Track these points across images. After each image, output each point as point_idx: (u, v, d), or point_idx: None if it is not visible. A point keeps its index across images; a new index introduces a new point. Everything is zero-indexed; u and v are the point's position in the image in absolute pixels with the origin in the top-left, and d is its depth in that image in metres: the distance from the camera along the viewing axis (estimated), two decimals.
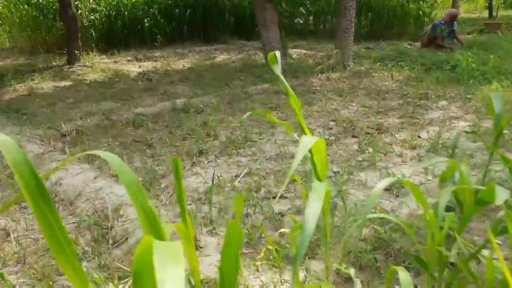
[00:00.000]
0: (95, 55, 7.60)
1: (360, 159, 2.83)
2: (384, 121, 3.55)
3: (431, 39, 6.64)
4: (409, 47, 7.25)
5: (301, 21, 8.60)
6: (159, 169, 2.85)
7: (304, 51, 7.40)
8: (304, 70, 5.72)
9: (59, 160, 2.82)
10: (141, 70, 6.48)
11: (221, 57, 7.33)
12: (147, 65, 6.82)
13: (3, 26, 8.86)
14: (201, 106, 4.31)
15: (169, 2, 8.42)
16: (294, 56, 6.68)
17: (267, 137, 3.36)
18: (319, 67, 5.83)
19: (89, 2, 8.10)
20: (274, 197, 2.35)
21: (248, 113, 1.49)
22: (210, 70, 6.20)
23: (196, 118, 3.94)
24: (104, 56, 7.61)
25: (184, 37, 8.84)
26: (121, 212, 2.14)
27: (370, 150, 2.94)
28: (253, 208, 2.23)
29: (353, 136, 3.27)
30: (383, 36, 8.36)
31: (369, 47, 7.48)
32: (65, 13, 6.57)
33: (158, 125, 3.83)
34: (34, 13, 7.89)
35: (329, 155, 2.93)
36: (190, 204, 2.36)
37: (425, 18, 8.08)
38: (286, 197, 2.36)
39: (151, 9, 8.24)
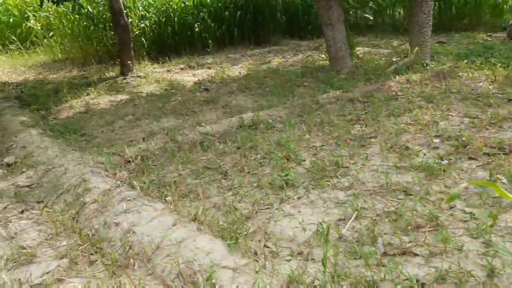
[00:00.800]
0: (147, 64, 7.36)
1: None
2: (504, 137, 2.92)
3: None
4: (489, 39, 6.42)
5: (371, 17, 7.93)
6: (241, 207, 2.42)
7: (367, 49, 6.76)
8: (376, 72, 5.12)
9: (129, 199, 2.45)
10: (196, 79, 6.13)
11: (276, 60, 6.85)
12: (202, 73, 6.47)
13: (55, 37, 8.87)
14: (270, 121, 3.85)
15: (219, 4, 8.04)
16: (359, 55, 6.07)
17: (361, 161, 2.84)
18: (393, 67, 5.20)
19: (139, 9, 7.88)
20: (400, 253, 1.84)
21: (463, 185, 0.99)
22: (269, 76, 5.73)
23: (269, 136, 3.49)
24: (156, 65, 7.36)
25: (234, 40, 8.45)
26: (213, 280, 1.71)
27: (503, 179, 2.35)
28: (377, 270, 1.74)
29: (471, 158, 2.68)
30: (454, 27, 7.54)
31: (442, 41, 6.72)
32: (117, 22, 6.34)
33: (228, 146, 3.41)
34: (85, 23, 7.76)
35: (449, 187, 2.37)
36: (289, 260, 1.90)
37: (505, 6, 7.18)
38: (416, 254, 1.84)
39: (201, 13, 7.90)
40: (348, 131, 3.41)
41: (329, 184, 2.55)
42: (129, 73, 6.65)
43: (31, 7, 9.63)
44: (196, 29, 7.83)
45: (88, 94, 5.63)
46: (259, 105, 4.48)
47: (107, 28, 7.92)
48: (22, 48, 9.51)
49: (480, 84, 4.26)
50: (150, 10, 7.90)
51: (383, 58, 5.97)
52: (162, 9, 7.89)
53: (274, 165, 2.90)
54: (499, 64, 4.68)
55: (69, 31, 8.05)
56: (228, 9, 8.10)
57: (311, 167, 2.78)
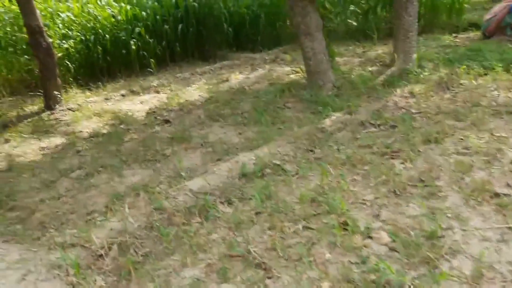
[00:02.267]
0: (76, 93, 6.01)
1: None
2: None
3: (501, 27, 5.54)
4: (458, 40, 6.15)
5: (354, 23, 7.24)
6: None
7: (345, 58, 6.08)
8: (364, 85, 4.45)
9: None
10: (146, 107, 5.00)
11: (235, 78, 5.94)
12: (151, 100, 5.33)
13: None
14: (278, 163, 2.95)
15: (156, 17, 6.91)
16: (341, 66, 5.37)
17: (455, 224, 2.05)
18: (381, 78, 4.59)
19: (59, 27, 6.48)
20: None
21: None
22: (237, 98, 4.81)
23: (290, 189, 2.59)
24: (88, 93, 6.03)
25: (176, 57, 7.39)
26: None
27: None
28: None
29: None
30: None
31: None
32: (37, 44, 4.98)
33: (239, 210, 2.44)
34: None
35: None
36: None
37: (465, 6, 7.01)
38: None
39: (136, 28, 6.72)
40: (391, 170, 2.63)
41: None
42: (57, 105, 5.29)
43: None
44: (133, 47, 6.63)
45: (7, 141, 4.23)
46: (247, 139, 3.54)
47: (18, 51, 6.40)
48: None
49: (496, 93, 3.77)
50: (73, 27, 6.54)
51: (369, 69, 5.34)
52: (88, 25, 6.56)
53: (332, 244, 2.00)
54: (499, 69, 4.27)
55: None
56: (167, 22, 7.01)
57: (393, 242, 1.93)
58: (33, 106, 5.70)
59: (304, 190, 2.55)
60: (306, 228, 2.17)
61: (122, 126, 4.36)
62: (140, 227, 2.32)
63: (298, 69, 5.35)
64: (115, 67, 6.83)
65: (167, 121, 4.35)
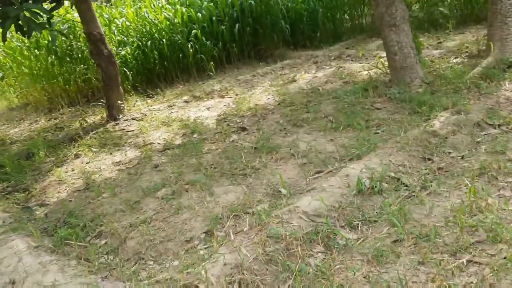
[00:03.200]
0: (136, 101, 5.81)
1: None
2: None
3: None
4: None
5: (446, 11, 6.64)
6: None
7: (428, 51, 5.51)
8: (459, 80, 3.92)
9: None
10: (215, 114, 4.69)
11: (302, 77, 5.53)
12: (217, 105, 5.03)
13: (6, 79, 7.10)
14: (394, 175, 2.52)
15: (212, 18, 6.62)
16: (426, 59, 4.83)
17: None
18: (476, 70, 4.05)
19: (114, 34, 6.33)
20: None
21: None
22: (314, 99, 4.40)
23: (424, 209, 2.16)
24: (149, 100, 5.83)
25: (232, 58, 7.07)
26: None
27: None
28: None
29: None
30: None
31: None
32: (99, 52, 4.79)
33: (369, 237, 2.04)
34: (48, 58, 6.10)
35: None
36: None
37: None
38: None
39: (193, 30, 6.45)
40: None
41: None
42: (120, 115, 5.10)
43: None
44: (190, 50, 6.37)
45: (77, 156, 4.03)
46: (342, 147, 3.14)
47: (75, 60, 6.30)
48: None
49: None
50: (129, 33, 6.36)
51: (456, 60, 4.80)
52: (144, 30, 6.36)
53: None
54: None
55: (27, 70, 6.33)
56: (222, 23, 6.70)
57: None
58: (95, 116, 5.56)
59: (443, 210, 2.11)
60: (471, 262, 1.73)
61: (195, 135, 4.06)
62: (257, 260, 1.97)
63: (375, 65, 4.87)
64: (172, 72, 6.61)
65: (243, 129, 4.01)
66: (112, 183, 3.27)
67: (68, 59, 6.29)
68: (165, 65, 6.47)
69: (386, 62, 4.43)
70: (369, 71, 4.92)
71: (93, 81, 6.45)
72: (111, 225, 2.58)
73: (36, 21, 3.23)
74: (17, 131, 5.55)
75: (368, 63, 5.46)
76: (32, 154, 4.25)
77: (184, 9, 6.47)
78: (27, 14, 3.09)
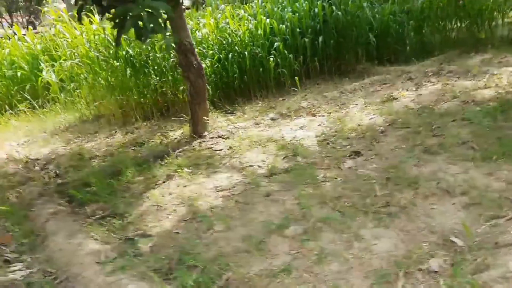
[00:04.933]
0: (217, 117, 5.42)
1: None
2: None
3: None
4: None
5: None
6: None
7: None
8: None
9: None
10: (312, 134, 4.18)
11: (403, 96, 4.93)
12: (311, 125, 4.52)
13: (79, 90, 6.96)
14: None
15: (296, 30, 6.17)
16: None
17: None
18: None
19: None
20: None
21: None
22: (438, 122, 3.77)
23: None
24: (230, 117, 5.42)
25: (310, 73, 6.59)
26: None
27: None
28: None
29: None
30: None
31: None
32: (188, 63, 4.45)
33: None
34: (126, 69, 5.87)
35: None
36: None
37: None
38: None
39: (275, 43, 6.04)
40: None
41: None
42: (205, 132, 4.70)
43: (45, 56, 7.79)
44: (271, 63, 5.95)
45: (170, 177, 3.62)
46: (511, 183, 2.50)
47: (152, 72, 6.04)
48: (38, 108, 7.58)
49: None
50: (209, 44, 6.03)
51: None
52: (224, 42, 6.02)
53: None
54: None
55: (103, 82, 6.14)
56: (305, 35, 6.25)
57: None
58: (174, 132, 5.21)
59: None
60: None
61: (299, 159, 3.55)
62: None
63: (494, 83, 4.20)
64: (250, 87, 6.20)
65: (356, 153, 3.46)
66: (220, 212, 2.81)
67: (145, 71, 6.04)
68: (244, 79, 6.08)
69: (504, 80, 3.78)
70: (488, 89, 4.26)
71: (168, 94, 6.17)
72: (239, 270, 2.10)
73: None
74: (93, 145, 5.29)
75: (479, 80, 4.81)
76: (119, 173, 3.90)
77: (267, 20, 6.07)
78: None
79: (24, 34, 8.80)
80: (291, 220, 2.50)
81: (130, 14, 2.43)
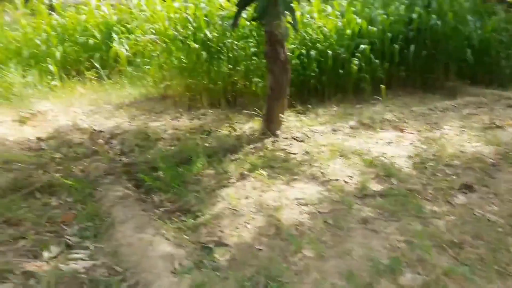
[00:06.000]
0: (289, 116, 5.02)
1: None
2: None
3: None
4: None
5: None
6: None
7: None
8: None
9: None
10: (404, 153, 3.69)
11: (510, 125, 4.31)
12: (401, 142, 4.03)
13: (148, 67, 6.79)
14: None
15: (388, 34, 5.65)
16: None
17: None
18: None
19: None
20: None
21: None
22: None
23: None
24: (303, 118, 5.01)
25: (392, 82, 6.04)
26: None
27: None
28: None
29: None
30: None
31: None
32: (275, 55, 4.07)
33: None
34: (202, 53, 5.59)
35: None
36: None
37: None
38: None
39: (361, 45, 5.55)
40: None
41: None
42: (278, 131, 4.32)
43: (121, 27, 7.71)
44: (354, 67, 5.47)
45: (244, 177, 3.27)
46: None
47: (225, 59, 5.73)
48: (105, 79, 7.50)
49: None
50: (290, 38, 5.63)
51: None
52: (308, 38, 5.59)
53: None
54: None
55: (176, 62, 5.90)
56: (396, 41, 5.71)
57: None
58: (242, 125, 4.88)
59: None
60: None
61: (394, 182, 3.10)
62: None
63: None
64: (326, 88, 5.76)
65: (468, 187, 2.95)
66: (308, 233, 2.42)
67: (220, 57, 5.74)
68: (321, 80, 5.64)
69: None
70: None
71: (238, 84, 5.86)
72: None
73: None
74: (159, 126, 5.05)
75: None
76: (187, 161, 3.61)
77: (359, 20, 5.58)
78: None
79: (101, 3, 8.79)
80: (404, 264, 2.06)
81: None
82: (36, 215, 2.68)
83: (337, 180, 3.17)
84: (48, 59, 7.72)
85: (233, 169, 3.42)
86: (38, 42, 8.10)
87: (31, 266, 2.10)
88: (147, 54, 6.53)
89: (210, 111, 5.61)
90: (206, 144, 4.18)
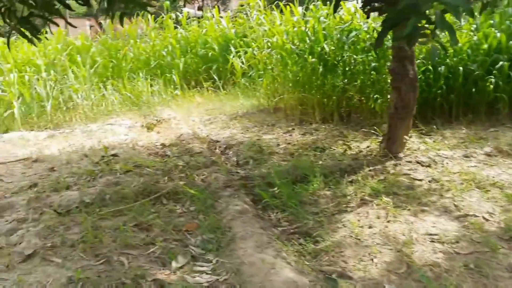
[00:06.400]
0: (410, 136, 4.63)
1: None
2: None
3: None
4: None
5: None
6: None
7: None
8: None
9: None
10: None
11: None
12: None
13: (262, 79, 6.92)
14: None
15: None
16: None
17: None
18: None
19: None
20: None
21: None
22: None
23: None
24: (428, 140, 4.60)
25: None
26: None
27: None
28: None
29: None
30: None
31: None
32: (403, 72, 3.80)
33: None
34: (319, 66, 5.50)
35: None
36: None
37: None
38: None
39: (499, 62, 4.92)
40: None
41: None
42: (401, 153, 4.00)
43: (240, 41, 8.03)
44: (489, 85, 4.88)
45: (365, 203, 3.06)
46: None
47: (341, 72, 5.56)
48: (221, 89, 7.87)
49: None
50: (417, 52, 5.24)
51: None
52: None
53: None
54: None
55: (291, 76, 5.91)
56: None
57: None
58: (358, 143, 4.64)
59: None
60: None
61: None
62: None
63: None
64: (454, 108, 5.23)
65: None
66: (445, 275, 2.14)
67: (336, 70, 5.60)
68: (449, 98, 5.14)
69: None
70: None
71: (354, 100, 5.64)
72: None
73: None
74: (271, 139, 5.08)
75: None
76: (304, 179, 3.53)
77: (497, 33, 4.99)
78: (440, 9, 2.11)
79: (221, 17, 9.28)
80: None
81: (414, 11, 1.90)
82: (163, 222, 2.81)
83: (475, 216, 2.79)
84: (172, 69, 8.36)
85: (352, 193, 3.24)
86: (164, 53, 8.82)
87: (161, 274, 2.18)
88: (261, 67, 6.66)
89: (322, 126, 5.49)
90: (321, 162, 4.05)
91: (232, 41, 8.53)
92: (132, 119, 6.45)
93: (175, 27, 9.53)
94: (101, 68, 8.04)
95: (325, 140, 4.84)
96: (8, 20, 2.29)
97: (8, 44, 2.37)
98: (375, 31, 5.12)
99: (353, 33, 5.12)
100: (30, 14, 2.25)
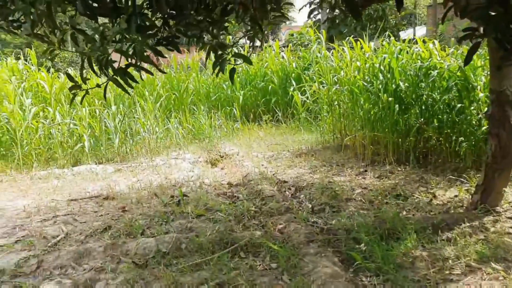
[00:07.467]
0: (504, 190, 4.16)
1: None
2: None
3: None
4: None
5: None
6: None
7: None
8: None
9: None
10: None
11: None
12: None
13: (327, 114, 6.69)
14: None
15: None
16: None
17: None
18: None
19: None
20: None
21: None
22: None
23: None
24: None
25: None
26: None
27: None
28: None
29: None
30: None
31: None
32: (502, 118, 3.43)
33: None
34: (394, 105, 5.18)
35: None
36: None
37: None
38: None
39: None
40: None
41: None
42: (499, 207, 3.57)
43: (302, 75, 7.89)
44: None
45: (473, 271, 2.68)
46: None
47: (417, 111, 5.21)
48: (283, 122, 7.72)
49: None
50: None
51: None
52: None
53: None
54: None
55: (362, 113, 5.63)
56: None
57: None
58: (442, 190, 4.23)
59: None
60: None
61: None
62: None
63: None
64: None
65: None
66: None
67: (411, 109, 5.26)
68: None
69: None
70: None
71: (432, 141, 5.24)
72: None
73: None
74: (344, 181, 4.78)
75: None
76: (392, 234, 3.20)
77: None
78: None
79: (282, 50, 9.24)
80: None
81: None
82: (246, 281, 2.59)
83: None
84: (232, 102, 8.34)
85: (453, 256, 2.86)
86: (225, 86, 8.85)
87: None
88: (328, 102, 6.45)
89: (398, 168, 5.13)
90: (405, 213, 3.70)
91: (293, 74, 8.43)
92: (195, 153, 6.40)
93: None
94: (164, 101, 8.18)
95: (405, 186, 4.47)
96: (104, 70, 2.23)
97: (104, 94, 2.32)
98: (459, 70, 4.76)
99: (435, 72, 4.78)
100: (128, 65, 2.18)
